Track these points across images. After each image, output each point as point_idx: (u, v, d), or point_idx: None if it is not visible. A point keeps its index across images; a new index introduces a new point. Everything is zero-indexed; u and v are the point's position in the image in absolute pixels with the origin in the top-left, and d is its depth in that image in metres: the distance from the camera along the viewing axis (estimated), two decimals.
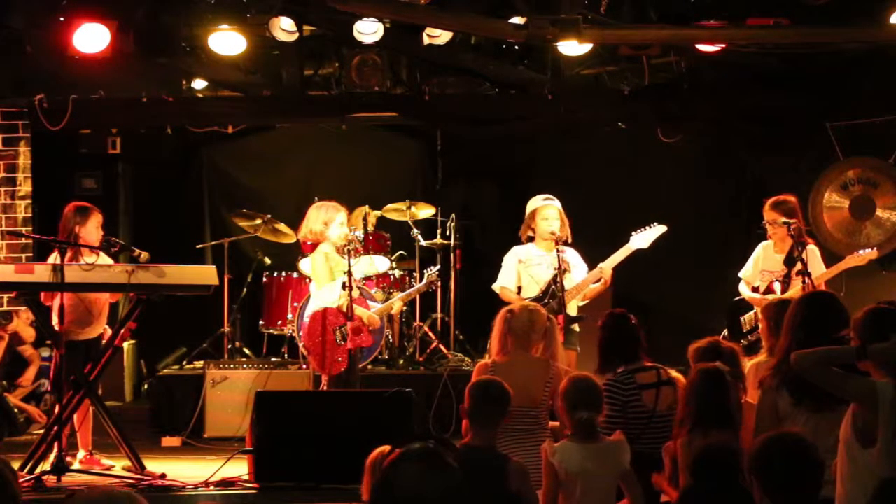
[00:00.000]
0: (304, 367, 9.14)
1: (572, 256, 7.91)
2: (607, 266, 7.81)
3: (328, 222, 8.01)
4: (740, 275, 8.08)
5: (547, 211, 7.93)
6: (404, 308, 10.12)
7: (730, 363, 5.35)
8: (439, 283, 9.69)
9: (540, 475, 5.07)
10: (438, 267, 9.13)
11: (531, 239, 8.09)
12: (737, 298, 8.14)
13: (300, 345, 8.31)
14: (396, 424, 6.95)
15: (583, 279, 7.83)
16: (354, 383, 7.80)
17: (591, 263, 7.97)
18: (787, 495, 3.77)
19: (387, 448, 4.72)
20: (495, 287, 8.03)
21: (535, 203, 8.02)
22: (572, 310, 7.79)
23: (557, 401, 5.23)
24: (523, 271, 7.98)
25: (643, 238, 7.96)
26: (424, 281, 8.80)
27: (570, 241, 7.94)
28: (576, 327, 7.81)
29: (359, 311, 7.86)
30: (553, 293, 7.71)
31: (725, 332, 8.12)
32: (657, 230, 7.99)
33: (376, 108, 9.94)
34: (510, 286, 7.94)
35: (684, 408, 5.07)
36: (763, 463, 3.84)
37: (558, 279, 7.63)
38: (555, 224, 7.89)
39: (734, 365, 5.40)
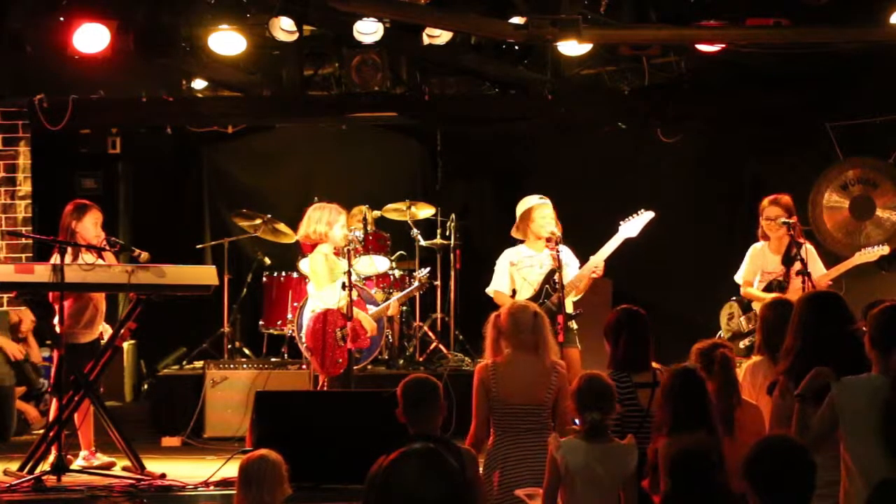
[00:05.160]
0: (304, 367, 9.14)
1: (566, 255, 7.88)
2: (599, 259, 7.77)
3: (331, 223, 8.04)
4: (737, 279, 8.03)
5: (544, 210, 7.91)
6: (404, 308, 10.14)
7: (722, 369, 5.33)
8: (428, 285, 9.73)
9: (544, 474, 5.07)
10: (429, 269, 9.18)
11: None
12: (734, 298, 8.13)
13: (302, 346, 8.31)
14: (396, 424, 6.94)
15: (576, 275, 7.79)
16: (351, 384, 7.83)
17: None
18: (779, 498, 3.77)
19: (258, 453, 4.78)
20: (489, 291, 8.03)
21: (529, 202, 7.98)
22: (568, 307, 7.76)
23: (567, 401, 5.20)
24: (515, 274, 7.96)
25: (632, 226, 7.88)
26: (416, 284, 8.86)
27: (560, 240, 7.91)
28: (573, 325, 7.78)
29: (360, 315, 7.90)
30: (547, 293, 7.70)
31: (721, 332, 8.12)
32: (645, 217, 7.91)
33: (376, 108, 9.94)
34: (504, 290, 7.94)
35: (661, 412, 5.04)
36: (754, 466, 3.84)
37: (555, 278, 7.60)
38: (551, 224, 7.89)
39: (727, 370, 5.38)
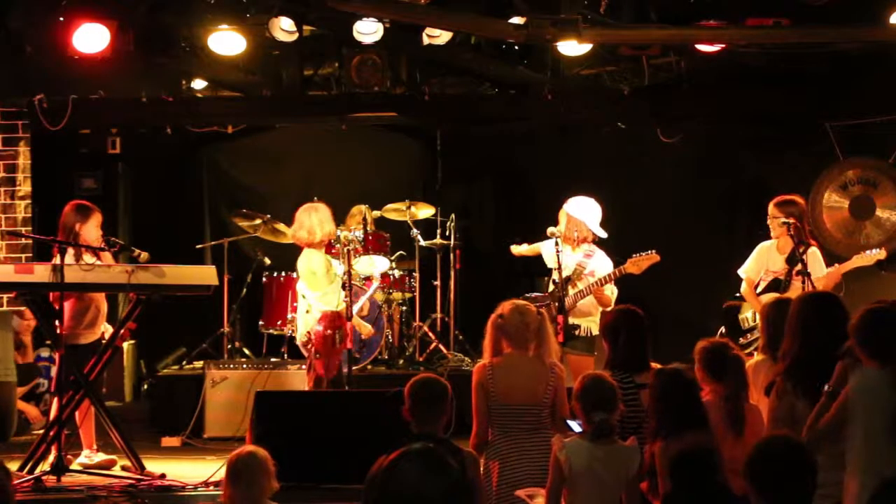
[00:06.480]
0: (303, 367, 9.13)
1: (596, 260, 7.93)
2: (593, 282, 7.81)
3: (331, 221, 8.16)
4: (740, 272, 8.06)
5: (560, 213, 8.02)
6: (403, 308, 10.16)
7: (734, 371, 5.32)
8: (382, 285, 9.82)
9: (543, 473, 5.06)
10: (383, 269, 9.37)
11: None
12: (737, 295, 8.13)
13: (306, 348, 8.28)
14: (396, 424, 6.94)
15: (579, 290, 7.81)
16: (344, 384, 7.88)
17: None
18: (781, 498, 3.77)
19: (246, 449, 4.76)
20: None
21: None
22: (587, 322, 7.83)
23: (573, 402, 5.20)
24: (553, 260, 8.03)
25: (636, 264, 7.88)
26: (376, 283, 9.19)
27: (588, 241, 7.97)
28: (587, 332, 7.81)
29: (356, 321, 7.94)
30: (553, 294, 7.72)
31: (723, 329, 8.11)
32: (651, 259, 7.88)
33: (376, 108, 9.94)
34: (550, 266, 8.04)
35: (653, 415, 5.03)
36: (756, 466, 3.84)
37: (558, 280, 7.64)
38: (557, 224, 7.94)
39: (738, 371, 5.36)
